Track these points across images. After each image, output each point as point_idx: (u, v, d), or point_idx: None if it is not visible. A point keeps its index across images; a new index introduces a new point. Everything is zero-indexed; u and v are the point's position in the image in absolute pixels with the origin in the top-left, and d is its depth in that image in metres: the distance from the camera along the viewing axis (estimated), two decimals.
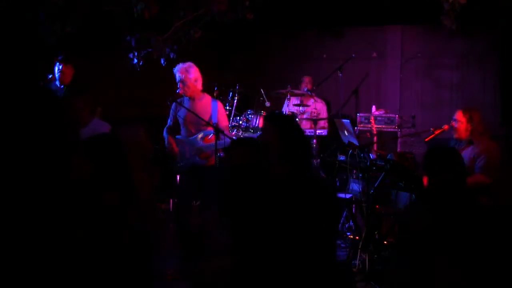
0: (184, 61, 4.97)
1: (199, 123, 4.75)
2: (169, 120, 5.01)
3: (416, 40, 7.32)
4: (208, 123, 4.69)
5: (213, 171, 4.80)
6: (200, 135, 4.83)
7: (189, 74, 4.75)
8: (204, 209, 5.07)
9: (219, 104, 4.90)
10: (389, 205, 4.85)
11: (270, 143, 2.70)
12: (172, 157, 4.88)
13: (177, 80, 4.80)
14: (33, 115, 1.77)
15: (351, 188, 5.17)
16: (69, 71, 5.59)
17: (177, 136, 4.91)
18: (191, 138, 4.83)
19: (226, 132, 4.70)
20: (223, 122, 4.85)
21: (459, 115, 4.64)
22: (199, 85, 4.83)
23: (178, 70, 4.78)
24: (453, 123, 4.70)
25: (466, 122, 4.59)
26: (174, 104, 4.90)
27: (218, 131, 4.60)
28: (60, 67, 5.54)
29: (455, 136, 4.70)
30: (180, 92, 4.82)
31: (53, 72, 5.63)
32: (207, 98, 4.92)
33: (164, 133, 4.95)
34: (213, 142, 4.73)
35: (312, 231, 2.37)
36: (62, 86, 5.58)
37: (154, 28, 6.50)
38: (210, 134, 4.81)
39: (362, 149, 4.64)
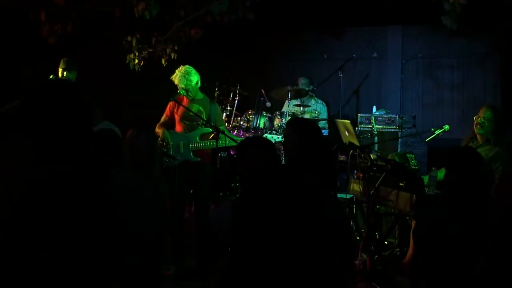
0: (184, 61, 5.02)
1: (195, 121, 4.84)
2: (163, 117, 5.06)
3: (417, 40, 7.31)
4: (207, 122, 4.75)
5: (205, 168, 4.88)
6: (197, 132, 4.89)
7: (190, 80, 4.85)
8: (198, 208, 5.10)
9: (216, 107, 5.02)
10: (390, 205, 4.85)
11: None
12: (164, 153, 4.91)
13: (181, 86, 4.86)
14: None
15: (351, 188, 5.17)
16: (72, 77, 5.68)
17: (170, 131, 4.96)
18: (188, 134, 4.89)
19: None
20: (219, 124, 4.93)
21: (488, 113, 4.64)
22: (198, 85, 4.93)
23: (180, 81, 4.85)
24: (481, 119, 4.65)
25: (494, 122, 4.61)
26: (173, 101, 4.97)
27: (218, 131, 4.65)
28: (65, 73, 5.63)
29: (479, 131, 4.66)
30: (185, 97, 4.90)
31: (54, 74, 5.68)
32: (205, 99, 5.01)
33: (156, 129, 4.99)
34: (210, 140, 4.81)
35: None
36: None
37: (154, 28, 6.51)
38: (207, 132, 4.89)
39: (363, 150, 4.64)
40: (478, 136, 4.72)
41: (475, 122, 4.71)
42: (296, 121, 3.61)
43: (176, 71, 4.90)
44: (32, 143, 1.80)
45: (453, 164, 2.85)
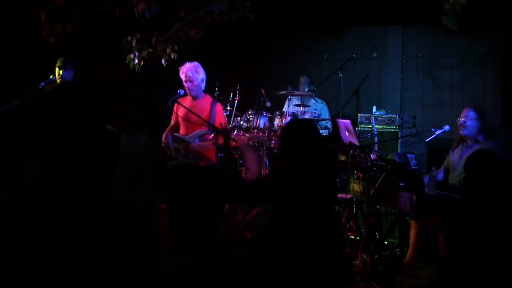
0: (184, 61, 5.01)
1: (197, 122, 4.80)
2: (171, 120, 5.08)
3: (417, 40, 7.31)
4: (207, 122, 4.73)
5: (207, 170, 4.85)
6: (195, 134, 4.87)
7: (197, 73, 4.83)
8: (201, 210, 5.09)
9: (219, 106, 4.97)
10: (390, 205, 4.85)
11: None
12: (167, 154, 4.91)
13: (184, 79, 4.84)
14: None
15: (351, 188, 5.17)
16: (69, 75, 5.71)
17: (174, 134, 4.96)
18: (186, 136, 4.87)
19: None
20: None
21: (470, 113, 4.66)
22: (203, 85, 4.92)
23: (188, 69, 4.83)
24: (462, 119, 4.69)
25: (477, 120, 4.62)
26: (175, 103, 4.96)
27: (217, 131, 4.61)
28: (60, 72, 5.65)
29: (463, 133, 4.69)
30: (187, 92, 4.88)
31: (54, 75, 5.70)
32: (207, 98, 4.98)
33: (165, 132, 5.01)
34: (209, 142, 4.78)
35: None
36: None
37: (154, 28, 6.50)
38: (205, 134, 4.85)
39: (363, 149, 4.64)
40: (465, 137, 4.74)
41: (458, 124, 4.74)
42: (288, 126, 3.47)
43: (187, 63, 4.90)
44: (41, 144, 1.80)
45: (480, 168, 2.75)
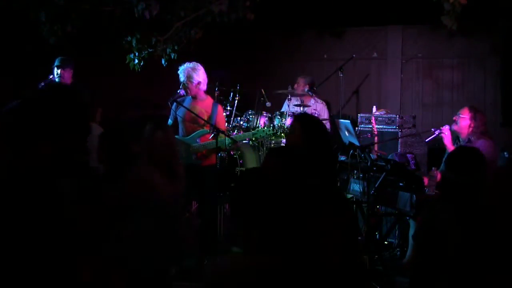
0: (184, 61, 5.00)
1: (197, 122, 4.80)
2: (169, 120, 5.05)
3: (417, 40, 7.31)
4: (207, 122, 4.73)
5: (208, 171, 4.84)
6: (196, 135, 4.86)
7: (192, 78, 4.82)
8: (202, 210, 5.09)
9: (219, 108, 4.97)
10: (390, 205, 4.85)
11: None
12: None
13: (180, 80, 4.84)
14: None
15: (351, 188, 5.16)
16: (67, 74, 5.70)
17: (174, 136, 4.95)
18: (187, 137, 4.87)
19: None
20: (221, 126, 4.88)
21: (464, 111, 4.80)
22: (202, 87, 4.89)
23: (184, 71, 4.83)
24: (456, 117, 4.83)
25: (469, 119, 4.72)
26: (174, 103, 4.95)
27: (218, 130, 4.62)
28: (58, 71, 5.65)
29: (453, 128, 4.85)
30: (181, 92, 4.87)
31: (52, 74, 5.70)
32: (208, 100, 4.99)
33: None
34: (210, 141, 4.77)
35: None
36: None
37: (154, 28, 6.50)
38: (206, 134, 4.85)
39: (363, 149, 4.64)
40: (456, 134, 4.87)
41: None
42: (302, 117, 3.50)
43: (186, 63, 4.89)
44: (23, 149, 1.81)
45: (455, 164, 2.80)
